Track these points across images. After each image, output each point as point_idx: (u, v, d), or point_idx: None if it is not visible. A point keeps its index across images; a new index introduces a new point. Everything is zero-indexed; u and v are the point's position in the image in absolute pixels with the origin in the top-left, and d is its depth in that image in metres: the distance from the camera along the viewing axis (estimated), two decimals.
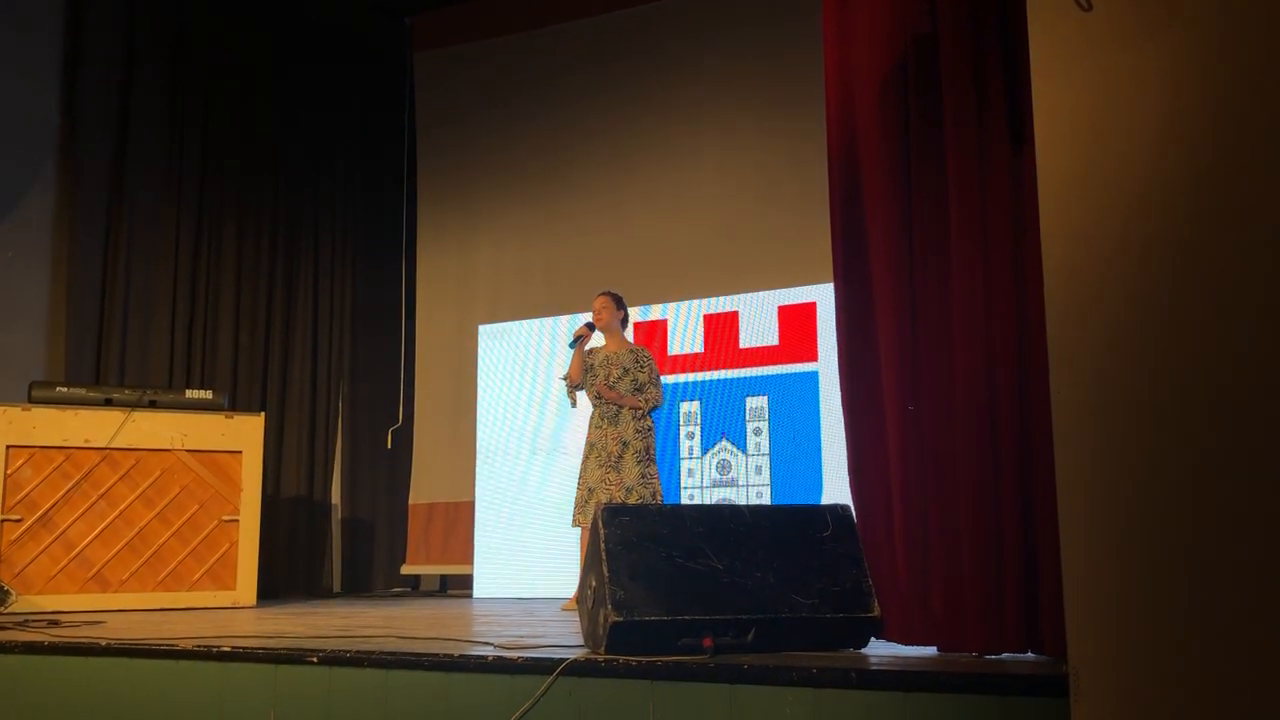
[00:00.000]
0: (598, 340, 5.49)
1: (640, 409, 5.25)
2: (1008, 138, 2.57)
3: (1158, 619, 1.69)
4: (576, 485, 5.30)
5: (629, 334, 5.63)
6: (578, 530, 5.28)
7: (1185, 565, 1.67)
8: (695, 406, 6.64)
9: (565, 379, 5.45)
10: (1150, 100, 1.79)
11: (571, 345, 5.35)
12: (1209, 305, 1.68)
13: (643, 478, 5.15)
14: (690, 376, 6.69)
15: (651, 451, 5.27)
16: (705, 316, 6.72)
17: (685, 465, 6.60)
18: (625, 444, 5.19)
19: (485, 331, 7.38)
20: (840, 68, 3.00)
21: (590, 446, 5.27)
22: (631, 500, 5.06)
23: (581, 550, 5.30)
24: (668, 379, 6.60)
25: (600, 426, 5.25)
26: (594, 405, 5.35)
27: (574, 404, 5.54)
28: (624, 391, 5.25)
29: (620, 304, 5.49)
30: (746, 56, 7.01)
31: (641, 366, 5.32)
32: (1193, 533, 1.66)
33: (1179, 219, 1.74)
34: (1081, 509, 1.80)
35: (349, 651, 2.75)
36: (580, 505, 5.22)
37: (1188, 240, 1.72)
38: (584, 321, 5.47)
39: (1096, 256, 1.84)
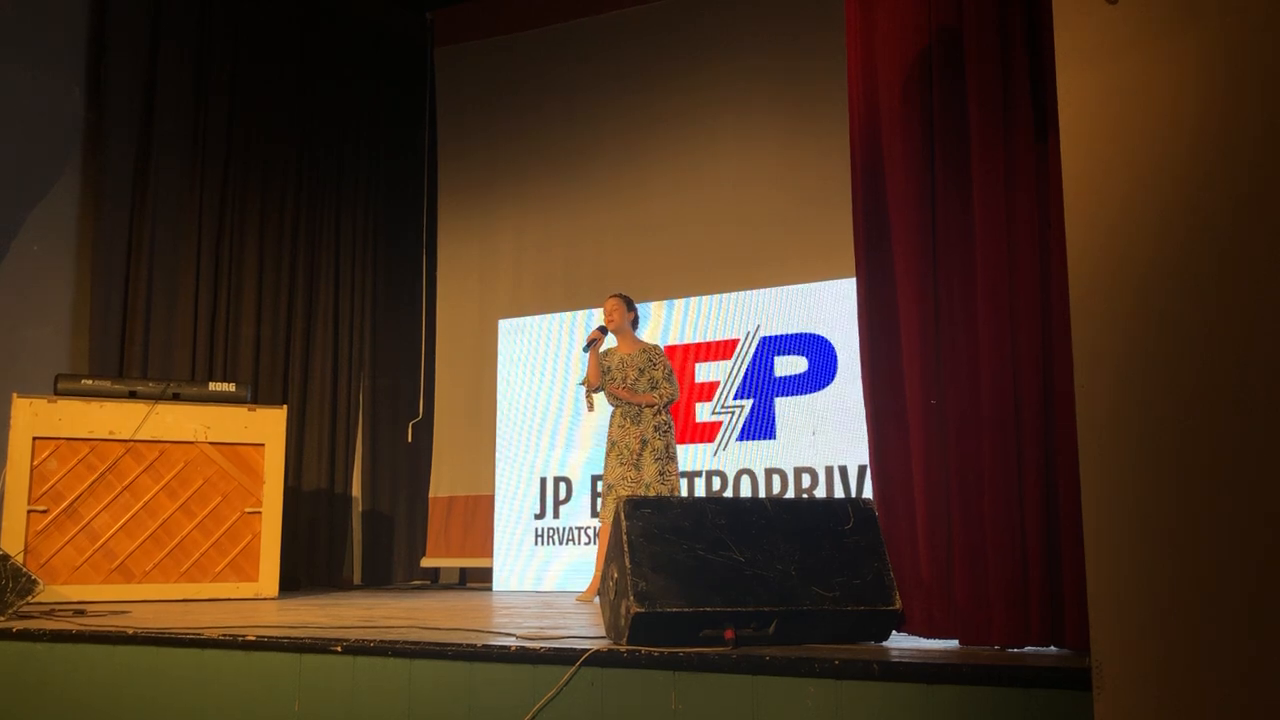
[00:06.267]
0: (611, 342, 5.53)
1: (655, 404, 5.30)
2: (1033, 131, 2.56)
3: (1181, 613, 1.69)
4: (601, 481, 5.35)
5: (641, 333, 5.66)
6: (596, 524, 5.32)
7: (1209, 559, 1.66)
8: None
9: (583, 384, 5.50)
10: (1178, 94, 1.78)
11: (585, 350, 5.42)
12: (1236, 302, 1.67)
13: (661, 475, 5.19)
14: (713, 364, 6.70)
15: (671, 450, 5.31)
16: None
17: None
18: (645, 442, 5.25)
19: (505, 326, 7.40)
20: (863, 59, 3.00)
21: (612, 444, 5.33)
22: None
23: (599, 545, 5.35)
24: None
25: (623, 425, 5.32)
26: (613, 405, 5.40)
27: (591, 408, 5.59)
28: (641, 390, 5.30)
29: (630, 305, 5.56)
30: (768, 50, 6.99)
31: (655, 365, 5.39)
32: (1217, 527, 1.66)
33: (1206, 215, 1.73)
34: (1105, 502, 1.80)
35: (373, 641, 2.77)
36: (603, 500, 5.30)
37: (1216, 236, 1.71)
38: (596, 325, 5.51)
39: (1122, 252, 1.83)
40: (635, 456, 5.22)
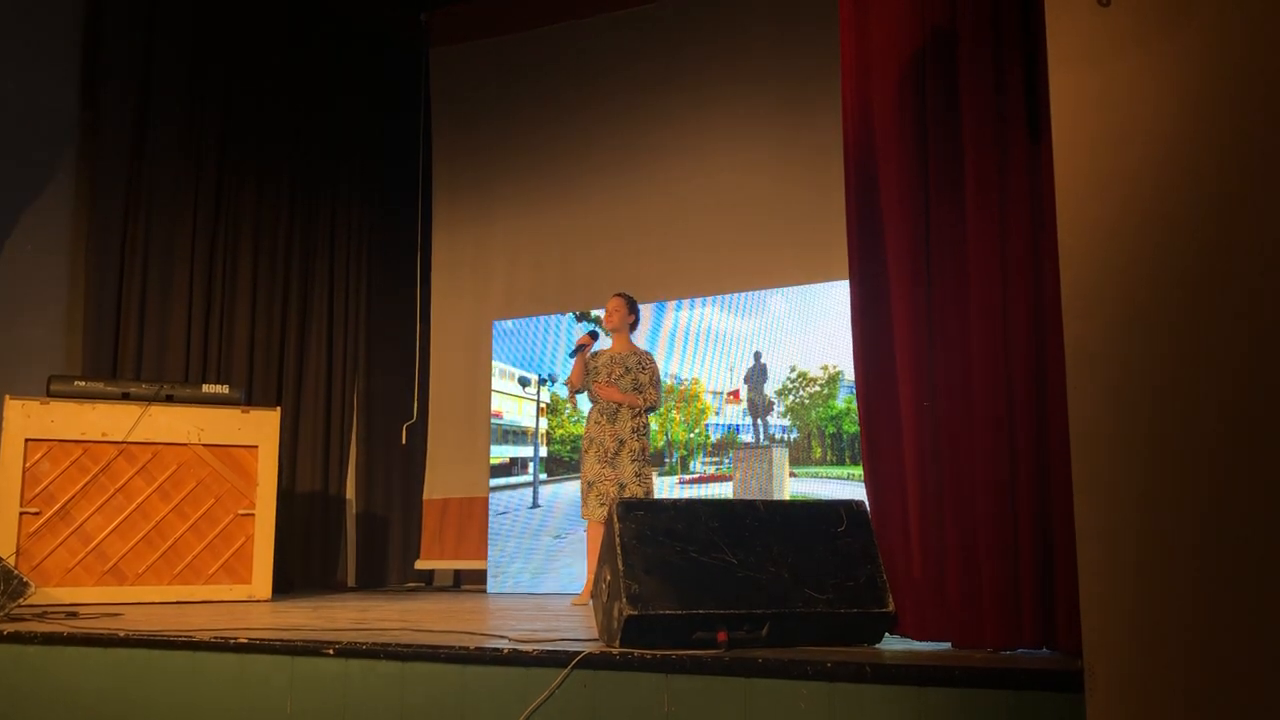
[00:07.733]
0: (605, 341, 5.55)
1: (637, 407, 5.33)
2: (1026, 131, 2.56)
3: (1173, 615, 1.69)
4: (579, 480, 5.40)
5: (636, 337, 5.67)
6: (589, 526, 5.34)
7: (1201, 561, 1.66)
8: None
9: (566, 384, 5.53)
10: (1169, 95, 1.78)
11: (572, 355, 5.43)
12: (1228, 302, 1.67)
13: (638, 475, 5.25)
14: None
15: (647, 452, 5.38)
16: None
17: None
18: (622, 442, 5.29)
19: (500, 327, 7.40)
20: (857, 60, 3.00)
21: (589, 441, 5.36)
22: (625, 495, 5.15)
23: (588, 546, 5.36)
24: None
25: (599, 423, 5.34)
26: (592, 402, 5.42)
27: (574, 405, 5.62)
28: (624, 389, 5.32)
29: (633, 307, 5.58)
30: (763, 51, 7.00)
31: (644, 368, 5.43)
32: (1209, 529, 1.66)
33: (1197, 216, 1.73)
34: (1097, 504, 1.80)
35: (365, 644, 2.77)
36: (584, 498, 5.33)
37: (1207, 236, 1.71)
38: (586, 330, 5.54)
39: (1114, 252, 1.83)
40: (611, 455, 5.27)
